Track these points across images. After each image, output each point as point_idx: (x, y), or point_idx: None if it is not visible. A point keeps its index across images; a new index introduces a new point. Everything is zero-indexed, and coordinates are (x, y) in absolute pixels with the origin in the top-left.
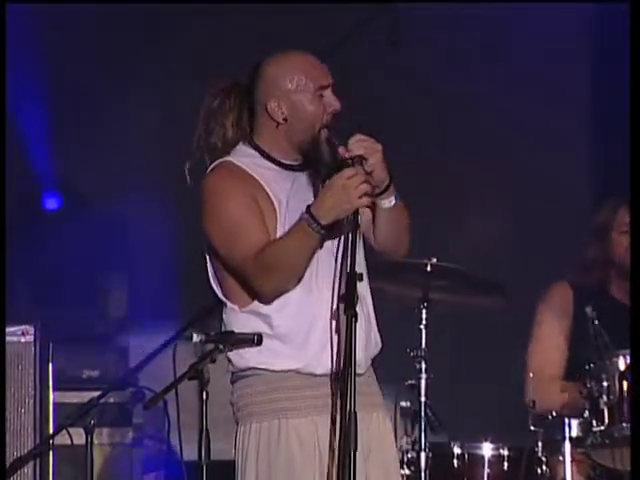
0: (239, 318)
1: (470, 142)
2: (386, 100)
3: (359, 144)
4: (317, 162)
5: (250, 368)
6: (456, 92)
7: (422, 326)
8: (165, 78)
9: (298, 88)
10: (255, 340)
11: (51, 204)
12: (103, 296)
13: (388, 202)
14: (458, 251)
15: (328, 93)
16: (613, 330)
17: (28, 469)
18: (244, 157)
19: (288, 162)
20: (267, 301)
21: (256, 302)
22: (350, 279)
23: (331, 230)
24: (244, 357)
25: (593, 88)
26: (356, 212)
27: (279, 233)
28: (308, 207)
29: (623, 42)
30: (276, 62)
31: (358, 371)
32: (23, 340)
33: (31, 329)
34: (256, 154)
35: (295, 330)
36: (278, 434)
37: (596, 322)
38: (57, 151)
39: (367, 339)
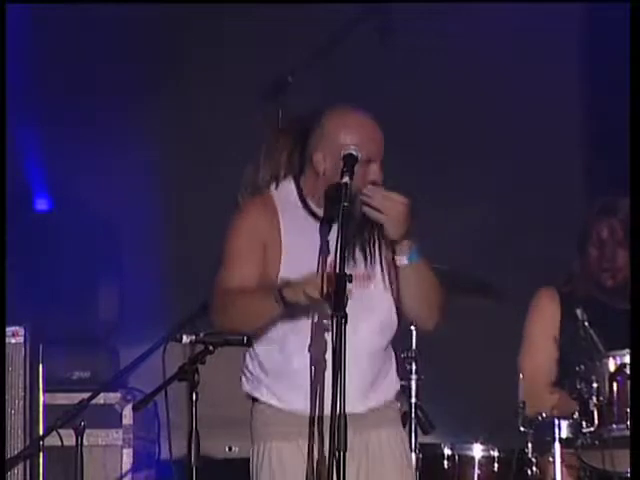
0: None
1: (467, 141)
2: (383, 98)
3: (380, 196)
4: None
5: (246, 393)
6: (452, 91)
7: (412, 327)
8: (160, 79)
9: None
10: (244, 341)
11: (42, 205)
12: (94, 297)
13: (399, 260)
14: (448, 251)
15: (374, 166)
16: (603, 332)
17: (18, 470)
18: (285, 194)
19: (320, 213)
20: None
21: None
22: (339, 280)
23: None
24: (241, 380)
25: (589, 89)
26: (346, 209)
27: (282, 273)
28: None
29: (620, 42)
30: (337, 117)
31: (350, 410)
32: (13, 341)
33: (21, 330)
34: (295, 193)
35: (275, 362)
36: (262, 457)
37: (586, 324)
38: (48, 152)
39: (364, 378)
